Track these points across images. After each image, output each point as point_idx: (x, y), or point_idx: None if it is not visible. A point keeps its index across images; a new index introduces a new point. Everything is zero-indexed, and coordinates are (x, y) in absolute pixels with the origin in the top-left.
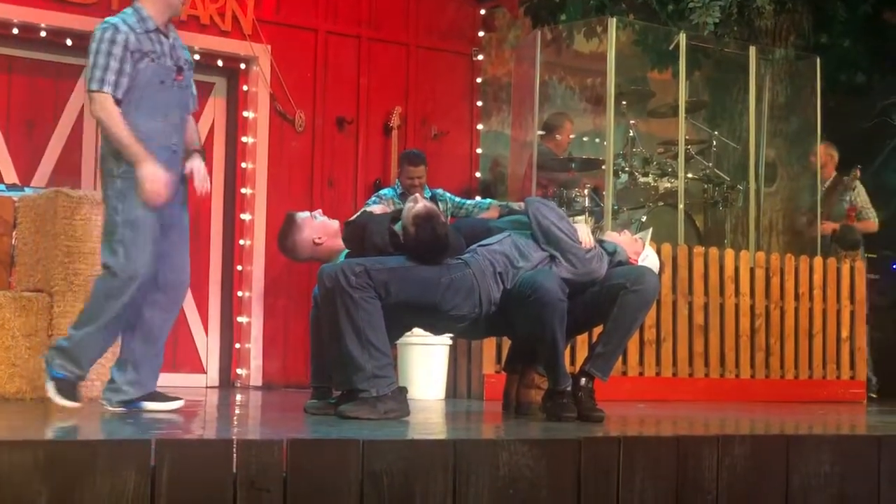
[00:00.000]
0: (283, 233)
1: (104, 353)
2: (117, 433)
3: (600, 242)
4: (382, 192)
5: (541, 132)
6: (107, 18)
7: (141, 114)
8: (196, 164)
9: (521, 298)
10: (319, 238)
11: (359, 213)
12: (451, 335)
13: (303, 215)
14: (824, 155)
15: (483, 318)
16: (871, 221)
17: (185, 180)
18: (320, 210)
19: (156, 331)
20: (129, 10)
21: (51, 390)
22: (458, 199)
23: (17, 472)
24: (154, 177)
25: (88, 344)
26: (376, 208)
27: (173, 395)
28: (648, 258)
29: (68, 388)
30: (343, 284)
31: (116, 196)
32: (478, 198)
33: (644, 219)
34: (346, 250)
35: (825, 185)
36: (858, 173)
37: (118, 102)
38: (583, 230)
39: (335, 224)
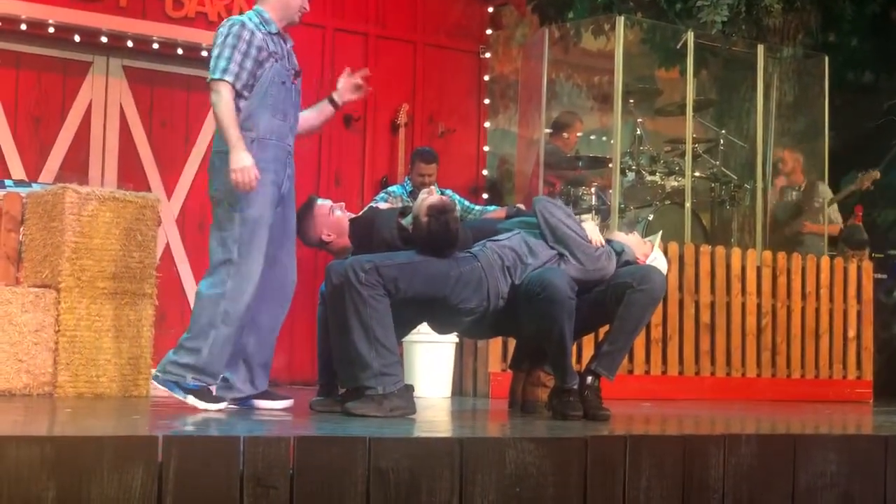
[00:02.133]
0: (299, 213)
1: (229, 353)
2: (126, 429)
3: (608, 241)
4: (391, 188)
5: (548, 130)
6: (233, 17)
7: (265, 111)
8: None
9: (530, 295)
10: (328, 235)
11: (365, 210)
12: (456, 334)
13: (323, 203)
14: (792, 160)
15: (490, 313)
16: (837, 225)
17: (293, 181)
18: (343, 204)
19: (266, 329)
20: (251, 13)
21: (193, 401)
22: (467, 202)
23: (25, 468)
24: (244, 164)
25: (218, 352)
26: (382, 205)
27: (283, 394)
28: (657, 260)
29: (207, 394)
30: (353, 281)
31: (233, 192)
32: (485, 195)
33: (651, 217)
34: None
35: (799, 188)
36: (878, 175)
37: (237, 94)
38: (590, 228)
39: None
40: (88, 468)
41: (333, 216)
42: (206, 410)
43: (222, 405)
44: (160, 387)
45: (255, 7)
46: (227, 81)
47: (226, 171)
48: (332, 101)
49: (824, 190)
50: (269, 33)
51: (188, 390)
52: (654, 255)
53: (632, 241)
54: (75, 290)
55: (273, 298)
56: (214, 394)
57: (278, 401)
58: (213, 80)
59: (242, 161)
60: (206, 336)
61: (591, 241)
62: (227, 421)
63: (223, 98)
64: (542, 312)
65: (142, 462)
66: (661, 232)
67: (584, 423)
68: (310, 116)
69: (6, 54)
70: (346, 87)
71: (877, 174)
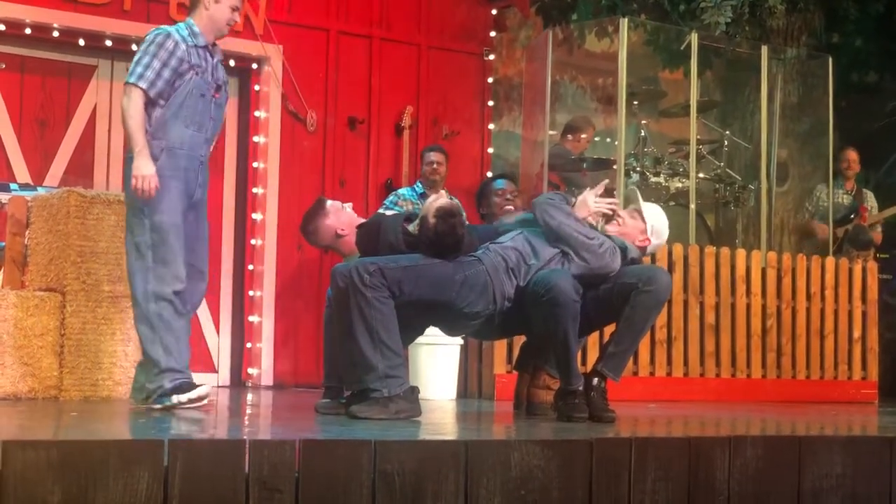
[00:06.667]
0: (308, 215)
1: (187, 343)
2: (131, 433)
3: (610, 238)
4: (400, 191)
5: (552, 132)
6: (162, 26)
7: (178, 122)
8: None
9: (534, 297)
10: (342, 230)
11: (372, 216)
12: (463, 335)
13: (334, 202)
14: (857, 163)
15: (497, 315)
16: (878, 234)
17: (205, 189)
18: (351, 204)
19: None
20: (182, 24)
21: (178, 398)
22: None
23: (30, 472)
24: (145, 173)
25: (175, 348)
26: (389, 212)
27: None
28: (654, 226)
29: (188, 385)
30: (357, 283)
31: (145, 201)
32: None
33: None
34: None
35: (850, 192)
36: None
37: (150, 102)
38: (589, 199)
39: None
40: (94, 472)
41: (346, 212)
42: (189, 401)
43: (204, 390)
44: (157, 406)
45: (186, 19)
46: (140, 87)
47: None
48: None
49: (871, 196)
50: (196, 46)
51: (169, 392)
52: (650, 222)
53: (627, 229)
54: (81, 294)
55: (189, 283)
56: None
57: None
58: (127, 83)
59: (143, 169)
60: (154, 342)
61: (591, 213)
62: (231, 424)
63: (133, 103)
64: (547, 314)
65: (147, 466)
66: (635, 189)
67: (589, 424)
68: None
69: (11, 58)
70: None
71: None
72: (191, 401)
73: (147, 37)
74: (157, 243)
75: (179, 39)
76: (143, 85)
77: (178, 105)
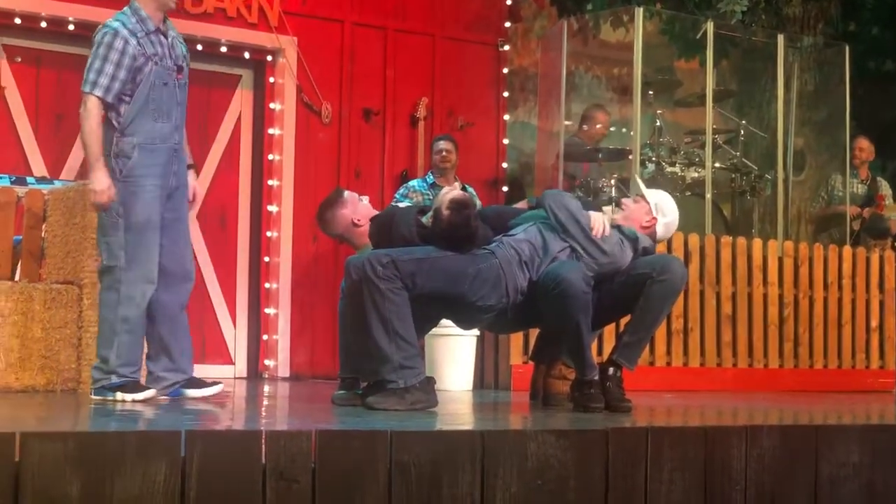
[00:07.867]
0: (325, 203)
1: (141, 348)
2: (148, 424)
3: (619, 229)
4: (410, 183)
5: (568, 122)
6: (107, 21)
7: (146, 117)
8: (191, 181)
9: (544, 291)
10: (359, 220)
11: (385, 209)
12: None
13: (351, 193)
14: (869, 151)
15: (510, 308)
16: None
17: (181, 177)
18: (368, 197)
19: (174, 316)
20: (127, 11)
21: (122, 397)
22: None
23: (48, 464)
24: (101, 186)
25: (126, 353)
26: (402, 204)
27: (212, 380)
28: (658, 203)
29: (134, 386)
30: (370, 275)
31: (119, 199)
32: (505, 188)
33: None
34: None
35: (864, 182)
36: None
37: (109, 106)
38: (598, 219)
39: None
40: (112, 464)
41: (362, 204)
42: (133, 401)
43: (150, 393)
44: (96, 398)
45: (131, 3)
46: (96, 96)
47: (117, 179)
48: (190, 166)
49: (886, 185)
50: (147, 33)
51: (115, 388)
52: (653, 202)
53: (630, 213)
54: (98, 286)
55: (174, 285)
56: (141, 384)
57: (207, 388)
58: (83, 92)
59: (100, 182)
60: (110, 344)
61: (595, 231)
62: (248, 415)
63: (90, 114)
64: (557, 307)
65: (165, 457)
66: (636, 176)
67: (605, 414)
68: None
69: (27, 52)
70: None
71: None
72: (135, 402)
73: (95, 37)
74: (130, 244)
75: (128, 35)
76: (99, 93)
77: (144, 99)
